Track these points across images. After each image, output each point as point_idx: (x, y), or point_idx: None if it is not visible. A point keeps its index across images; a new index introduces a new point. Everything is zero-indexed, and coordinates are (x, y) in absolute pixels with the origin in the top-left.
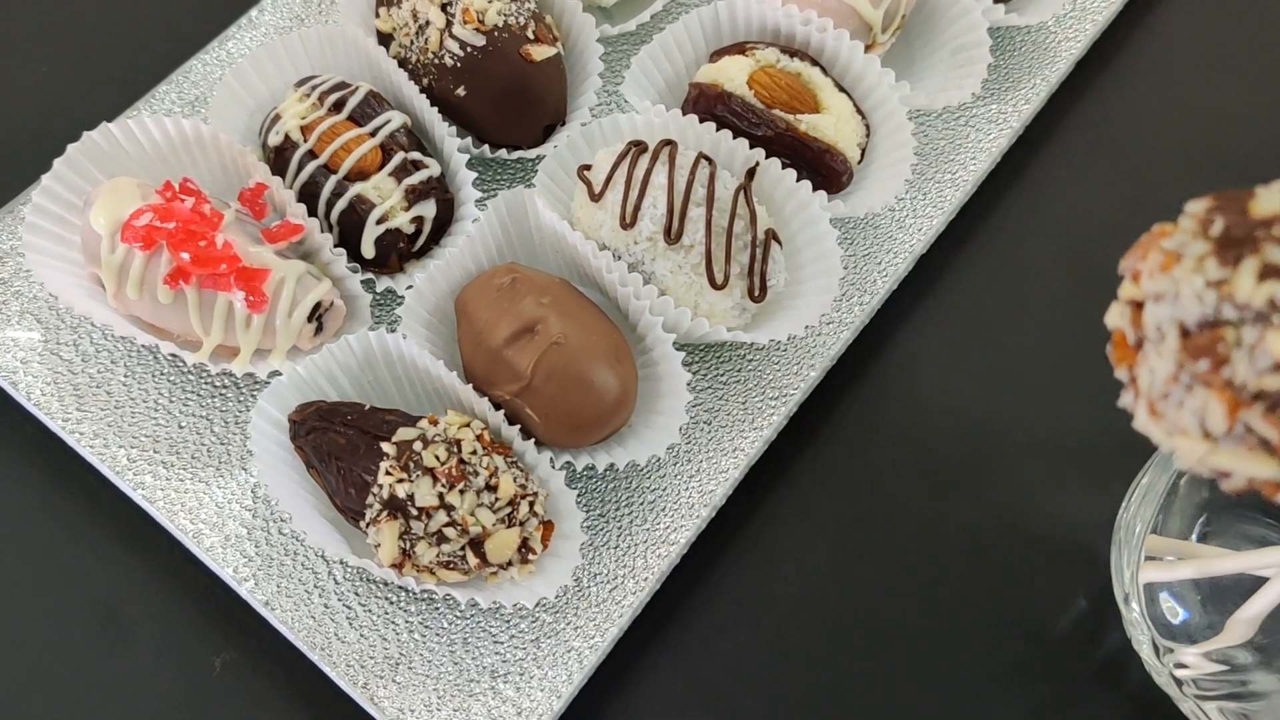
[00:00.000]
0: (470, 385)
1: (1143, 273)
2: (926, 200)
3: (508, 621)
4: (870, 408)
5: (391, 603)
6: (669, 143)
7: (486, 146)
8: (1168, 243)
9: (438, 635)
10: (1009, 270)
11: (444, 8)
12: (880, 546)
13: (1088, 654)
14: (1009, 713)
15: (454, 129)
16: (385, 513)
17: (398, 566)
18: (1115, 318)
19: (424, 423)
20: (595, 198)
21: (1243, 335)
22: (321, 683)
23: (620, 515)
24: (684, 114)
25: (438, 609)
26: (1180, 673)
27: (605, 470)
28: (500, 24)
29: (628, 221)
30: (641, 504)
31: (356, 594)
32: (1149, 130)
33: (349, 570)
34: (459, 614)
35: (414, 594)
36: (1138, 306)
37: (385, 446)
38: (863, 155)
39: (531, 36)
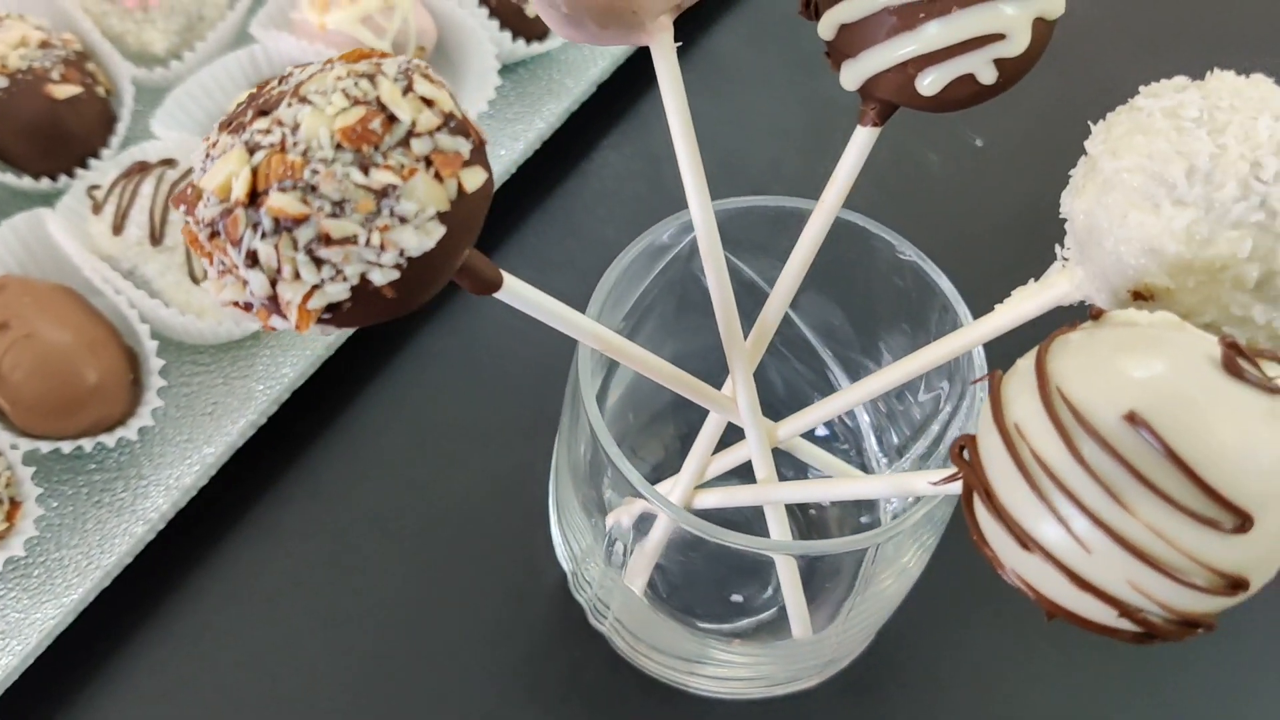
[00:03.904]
0: None
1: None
2: None
3: None
4: (382, 396)
5: None
6: (168, 161)
7: (11, 176)
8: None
9: None
10: (533, 270)
11: None
12: (381, 521)
13: (571, 607)
14: (492, 667)
15: None
16: None
17: None
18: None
19: None
20: (96, 211)
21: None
22: None
23: (113, 498)
24: None
25: None
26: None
27: (72, 453)
28: (24, 68)
29: (117, 229)
30: (133, 489)
31: None
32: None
33: None
34: None
35: None
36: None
37: None
38: None
39: (57, 78)
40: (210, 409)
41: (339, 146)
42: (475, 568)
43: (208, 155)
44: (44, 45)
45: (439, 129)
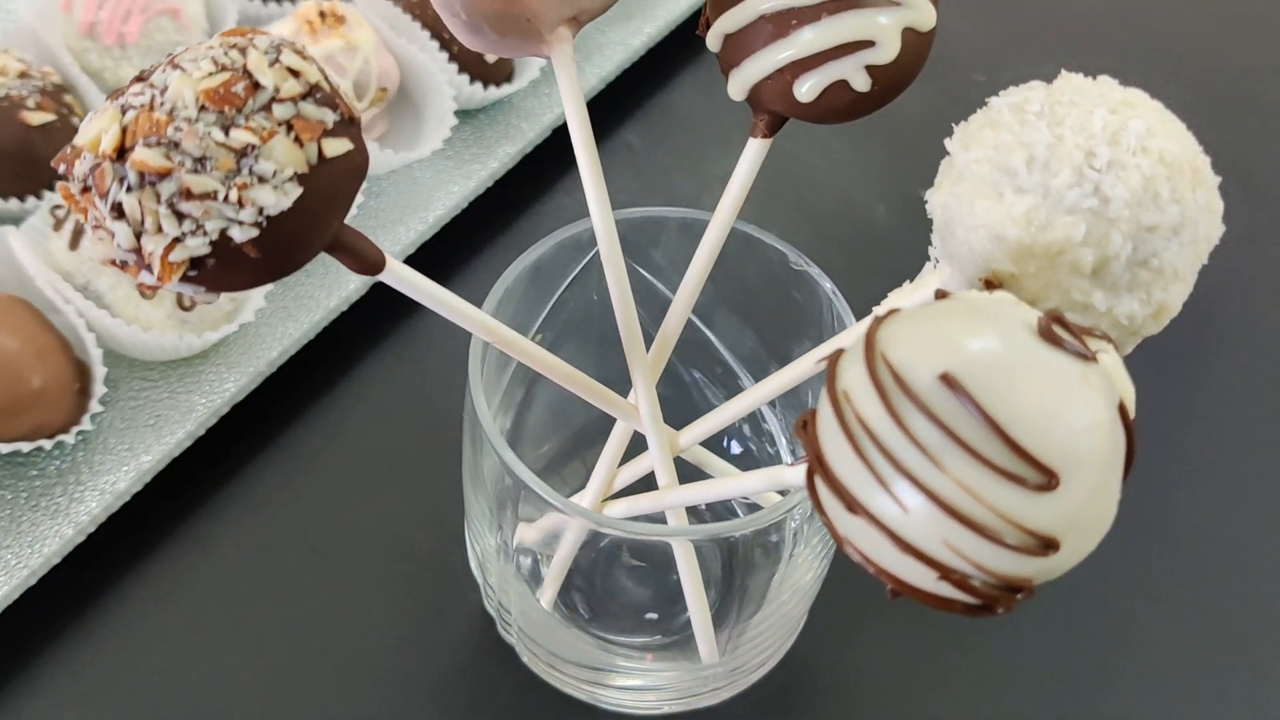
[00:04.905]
0: None
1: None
2: (393, 237)
3: None
4: (324, 417)
5: None
6: None
7: None
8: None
9: None
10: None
11: None
12: (311, 538)
13: (491, 627)
14: (410, 685)
15: None
16: None
17: None
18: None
19: None
20: (57, 228)
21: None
22: None
23: (50, 502)
24: None
25: None
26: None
27: (10, 455)
28: (1, 95)
29: (74, 244)
30: (70, 494)
31: None
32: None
33: None
34: None
35: None
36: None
37: None
38: None
39: (33, 106)
40: (153, 421)
41: (203, 108)
42: (401, 587)
43: (90, 121)
44: (23, 75)
45: (303, 97)
